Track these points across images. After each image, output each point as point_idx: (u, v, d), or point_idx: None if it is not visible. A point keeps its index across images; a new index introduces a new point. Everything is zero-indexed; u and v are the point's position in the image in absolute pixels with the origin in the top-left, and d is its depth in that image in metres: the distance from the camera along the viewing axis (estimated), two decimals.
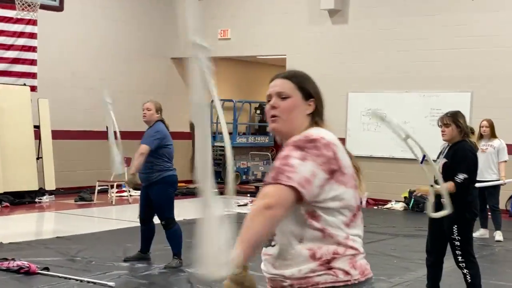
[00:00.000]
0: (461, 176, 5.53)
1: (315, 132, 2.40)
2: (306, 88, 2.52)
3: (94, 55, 14.85)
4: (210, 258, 2.08)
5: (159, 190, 7.21)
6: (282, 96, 2.50)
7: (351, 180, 2.41)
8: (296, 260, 2.36)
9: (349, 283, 2.37)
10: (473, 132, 5.84)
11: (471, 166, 5.64)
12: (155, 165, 7.20)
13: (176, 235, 7.32)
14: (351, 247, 2.39)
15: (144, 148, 7.16)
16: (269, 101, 2.53)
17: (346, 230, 2.38)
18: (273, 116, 2.50)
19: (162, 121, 7.43)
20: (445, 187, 5.16)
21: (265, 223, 2.23)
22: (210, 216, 2.11)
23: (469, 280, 5.70)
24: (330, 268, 2.35)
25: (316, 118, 2.51)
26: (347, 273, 2.36)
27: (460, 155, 5.61)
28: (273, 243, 2.42)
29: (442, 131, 5.76)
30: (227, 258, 2.09)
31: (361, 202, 2.57)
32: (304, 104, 2.50)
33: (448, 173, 5.59)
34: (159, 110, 7.44)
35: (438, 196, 5.42)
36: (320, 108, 2.54)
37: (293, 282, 2.38)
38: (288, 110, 2.48)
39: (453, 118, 5.72)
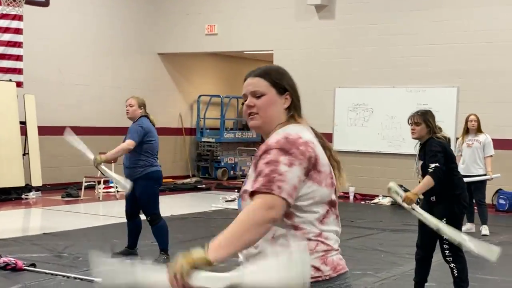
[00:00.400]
0: (432, 165, 5.63)
1: (293, 131, 2.42)
2: (280, 83, 2.53)
3: (81, 50, 14.77)
4: None
5: (143, 186, 7.19)
6: (257, 95, 2.51)
7: (326, 178, 2.42)
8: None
9: (320, 279, 2.37)
10: (440, 131, 5.91)
11: (439, 155, 5.67)
12: (139, 161, 7.18)
13: (162, 230, 7.31)
14: (323, 243, 2.40)
15: (131, 143, 7.13)
16: (245, 100, 2.54)
17: (319, 227, 2.40)
18: (251, 114, 2.52)
19: (147, 116, 7.41)
20: (417, 189, 5.59)
21: (263, 234, 2.27)
22: None
23: (456, 274, 5.75)
24: None
25: (293, 111, 2.53)
26: (317, 269, 2.37)
27: (427, 150, 5.72)
28: None
29: (412, 129, 5.87)
30: None
31: (348, 197, 2.58)
32: (279, 99, 2.52)
33: (425, 171, 5.72)
34: (142, 105, 7.41)
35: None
36: (296, 101, 2.56)
37: None
38: (264, 107, 2.50)
39: (424, 117, 5.82)
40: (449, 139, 5.99)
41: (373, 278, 6.91)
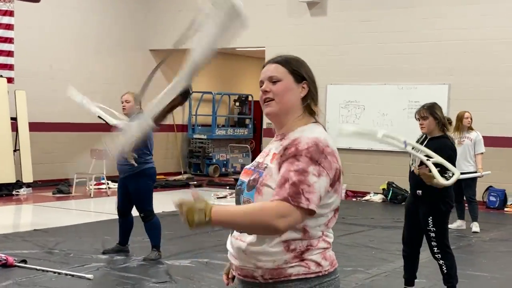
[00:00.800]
0: (449, 179, 5.38)
1: (321, 136, 2.40)
2: (298, 71, 2.51)
3: (72, 46, 14.72)
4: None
5: (138, 183, 7.18)
6: (273, 80, 2.49)
7: (341, 185, 2.46)
8: (271, 250, 2.37)
9: (320, 274, 2.40)
10: (450, 123, 5.87)
11: (453, 164, 5.60)
12: (135, 157, 7.17)
13: (155, 227, 7.31)
14: (324, 241, 2.43)
15: None
16: (261, 87, 2.52)
17: (323, 229, 2.43)
18: (266, 100, 2.49)
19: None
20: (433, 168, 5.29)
21: (264, 234, 2.32)
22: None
23: (445, 271, 5.76)
24: (303, 260, 2.37)
25: (309, 101, 2.50)
26: (318, 264, 2.39)
27: (444, 154, 5.47)
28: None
29: (421, 124, 5.79)
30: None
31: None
32: (296, 87, 2.49)
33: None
34: (138, 101, 7.40)
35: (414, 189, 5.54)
36: (313, 91, 2.53)
37: (264, 272, 2.39)
38: (281, 92, 2.47)
39: (430, 110, 5.75)
40: (453, 139, 5.98)
41: (363, 274, 6.93)
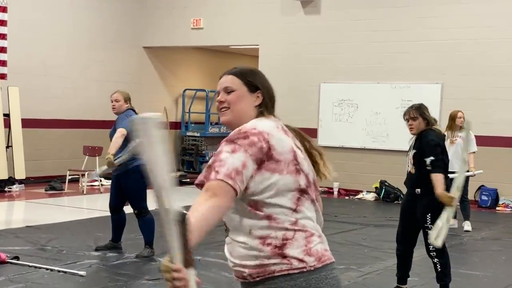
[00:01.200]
0: (428, 160, 5.59)
1: (249, 124, 2.46)
2: (253, 81, 2.60)
3: (66, 43, 14.68)
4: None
5: (133, 179, 7.14)
6: (228, 91, 2.59)
7: (288, 166, 2.42)
8: (251, 248, 2.40)
9: (304, 270, 2.39)
10: (436, 122, 5.91)
11: (437, 149, 5.67)
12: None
13: (148, 224, 7.30)
14: (301, 230, 2.41)
15: (124, 131, 7.08)
16: (218, 97, 2.63)
17: (293, 215, 2.42)
18: (222, 109, 2.59)
19: (133, 110, 7.39)
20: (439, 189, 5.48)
21: (211, 210, 2.25)
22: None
23: (439, 269, 5.79)
24: (284, 257, 2.38)
25: (263, 108, 2.58)
26: (301, 260, 2.39)
27: (424, 142, 5.68)
28: (227, 229, 2.50)
29: (410, 125, 5.81)
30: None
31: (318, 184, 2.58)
32: (250, 96, 2.58)
33: (418, 162, 5.68)
34: (127, 99, 7.40)
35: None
36: (267, 100, 2.61)
37: (251, 271, 2.42)
38: (234, 102, 2.56)
39: (419, 111, 5.79)
40: (440, 131, 5.99)
41: (356, 272, 6.95)
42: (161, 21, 16.13)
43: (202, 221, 2.20)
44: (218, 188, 2.28)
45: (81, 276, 6.40)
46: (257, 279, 2.42)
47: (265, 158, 2.38)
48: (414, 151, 5.77)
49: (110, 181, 7.72)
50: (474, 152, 9.68)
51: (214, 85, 19.70)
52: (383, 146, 13.41)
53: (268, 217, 2.39)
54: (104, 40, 15.55)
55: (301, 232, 2.41)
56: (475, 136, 9.82)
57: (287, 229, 2.39)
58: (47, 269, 6.55)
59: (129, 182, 7.19)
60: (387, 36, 13.56)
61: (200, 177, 2.37)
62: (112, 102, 7.36)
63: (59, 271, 6.52)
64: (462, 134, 9.67)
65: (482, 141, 11.25)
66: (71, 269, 6.58)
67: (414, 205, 5.81)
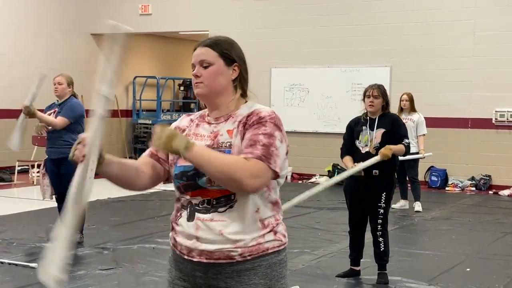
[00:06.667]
0: (406, 140, 5.87)
1: (270, 109, 2.52)
2: (228, 53, 2.55)
3: (12, 31, 14.35)
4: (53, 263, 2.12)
5: (70, 166, 6.99)
6: (204, 65, 2.52)
7: None
8: (250, 228, 2.42)
9: (286, 245, 2.54)
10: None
11: (407, 133, 6.09)
12: (69, 140, 7.01)
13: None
14: (279, 213, 2.57)
15: (65, 121, 7.02)
16: (193, 70, 2.55)
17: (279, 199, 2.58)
18: (197, 83, 2.54)
19: (75, 96, 7.31)
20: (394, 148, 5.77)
21: (229, 184, 2.32)
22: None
23: (382, 248, 5.95)
24: (276, 233, 2.49)
25: (242, 83, 2.57)
26: (284, 236, 2.53)
27: (397, 125, 5.93)
28: (232, 206, 2.41)
29: (371, 102, 5.87)
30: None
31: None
32: (227, 69, 2.53)
33: (388, 140, 5.79)
34: (71, 84, 7.31)
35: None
36: (244, 74, 2.59)
37: (244, 250, 2.40)
38: (211, 77, 2.51)
39: (382, 91, 5.91)
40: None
41: (310, 256, 7.01)
42: (109, 7, 15.89)
43: (222, 159, 2.32)
44: (266, 173, 2.35)
45: (33, 268, 6.29)
46: (248, 257, 2.41)
47: (288, 148, 2.48)
48: (382, 130, 5.82)
49: (41, 171, 7.56)
50: (424, 135, 9.81)
51: (164, 72, 19.61)
52: (334, 130, 13.49)
53: (276, 202, 2.51)
54: (51, 28, 15.25)
55: (281, 215, 2.56)
56: (425, 118, 9.96)
57: (278, 212, 2.52)
58: None
59: (68, 169, 7.05)
60: (336, 20, 13.63)
61: (258, 153, 2.33)
62: (55, 85, 7.30)
63: (10, 263, 6.41)
64: (412, 116, 9.80)
65: (431, 122, 11.43)
66: (22, 261, 6.47)
67: (367, 187, 5.87)
